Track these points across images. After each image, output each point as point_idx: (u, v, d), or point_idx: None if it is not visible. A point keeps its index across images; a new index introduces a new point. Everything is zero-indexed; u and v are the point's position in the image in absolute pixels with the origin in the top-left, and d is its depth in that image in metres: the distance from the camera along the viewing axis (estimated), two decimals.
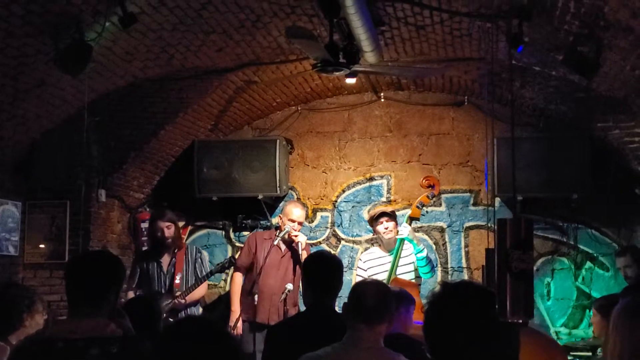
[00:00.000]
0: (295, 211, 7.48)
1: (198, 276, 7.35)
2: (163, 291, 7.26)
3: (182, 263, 7.35)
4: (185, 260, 7.38)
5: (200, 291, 7.42)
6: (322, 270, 4.57)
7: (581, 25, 5.46)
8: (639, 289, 6.64)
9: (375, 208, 8.17)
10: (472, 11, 5.88)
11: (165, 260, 7.37)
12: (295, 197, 8.70)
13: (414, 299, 5.22)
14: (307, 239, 7.64)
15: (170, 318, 7.09)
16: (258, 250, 7.53)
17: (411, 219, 7.22)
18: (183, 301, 7.17)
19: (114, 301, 3.42)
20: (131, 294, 7.43)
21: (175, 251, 7.38)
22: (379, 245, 7.42)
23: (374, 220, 7.34)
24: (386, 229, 7.19)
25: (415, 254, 6.99)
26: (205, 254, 7.79)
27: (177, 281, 7.26)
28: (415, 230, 8.22)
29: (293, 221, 7.40)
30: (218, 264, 7.54)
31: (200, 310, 7.66)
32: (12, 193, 7.32)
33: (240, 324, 7.28)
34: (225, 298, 8.32)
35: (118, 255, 7.93)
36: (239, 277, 7.62)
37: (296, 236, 7.29)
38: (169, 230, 7.34)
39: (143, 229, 8.32)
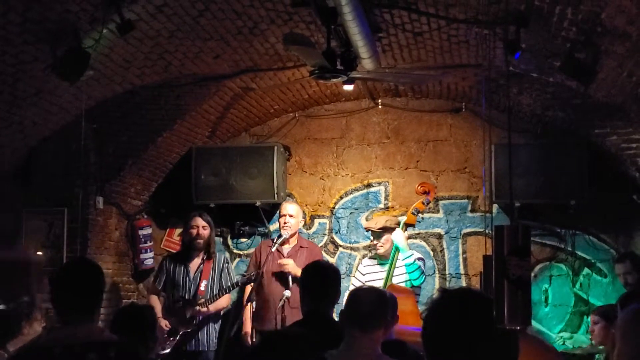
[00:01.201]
0: (284, 206, 7.60)
1: (222, 286, 7.32)
2: (187, 297, 7.24)
3: (209, 270, 7.34)
4: (212, 268, 7.37)
5: (224, 302, 7.40)
6: (318, 278, 4.58)
7: (578, 32, 5.47)
8: (637, 296, 6.63)
9: (374, 215, 8.16)
10: (470, 18, 5.89)
11: (194, 265, 7.36)
12: None
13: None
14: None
15: (191, 327, 7.10)
16: (262, 259, 7.50)
17: (407, 225, 7.20)
18: (205, 309, 7.15)
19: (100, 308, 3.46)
20: (154, 298, 7.43)
21: (205, 258, 7.37)
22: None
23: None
24: (375, 244, 7.22)
25: (402, 259, 6.96)
26: (231, 265, 7.81)
27: (202, 288, 7.24)
28: (413, 236, 8.23)
29: (283, 215, 7.49)
30: (244, 276, 7.46)
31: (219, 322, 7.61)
32: (9, 200, 7.32)
33: (247, 332, 7.36)
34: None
35: (116, 262, 8.02)
36: (248, 288, 7.58)
37: (285, 265, 7.29)
38: (204, 231, 7.35)
39: (141, 236, 8.32)
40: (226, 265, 7.49)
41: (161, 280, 7.41)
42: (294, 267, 7.23)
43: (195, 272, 7.31)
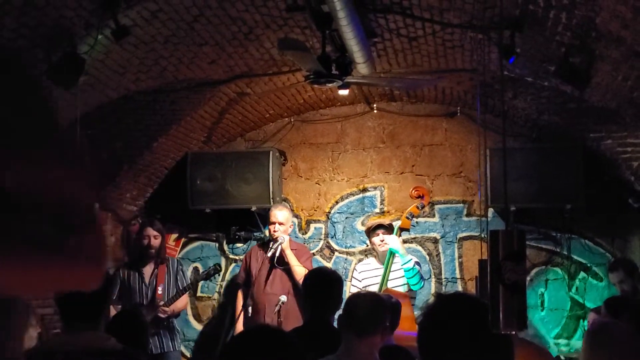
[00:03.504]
0: (273, 213, 7.53)
1: (179, 288, 7.41)
2: (145, 302, 7.28)
3: (164, 274, 7.43)
4: (167, 271, 7.45)
5: (182, 302, 7.50)
6: (320, 285, 4.59)
7: (573, 36, 5.48)
8: (626, 302, 6.59)
9: (370, 219, 8.16)
10: (464, 22, 5.90)
11: (147, 271, 7.42)
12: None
13: None
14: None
15: (153, 330, 7.10)
16: (252, 264, 7.54)
17: (401, 229, 7.20)
18: (168, 309, 7.19)
19: (106, 315, 3.44)
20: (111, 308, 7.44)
21: (158, 263, 7.42)
22: (375, 257, 7.39)
23: (370, 232, 7.31)
24: (382, 241, 7.15)
25: (402, 265, 6.97)
26: (185, 266, 7.93)
27: (159, 292, 7.31)
28: (409, 241, 8.23)
29: (272, 223, 7.46)
30: (203, 271, 7.60)
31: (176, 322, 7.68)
32: None
33: None
34: (220, 311, 8.43)
35: (112, 268, 7.99)
36: (239, 293, 7.68)
37: (276, 237, 7.31)
38: (155, 240, 7.40)
39: None
40: (180, 267, 7.62)
41: (114, 291, 7.42)
42: (286, 245, 7.32)
43: (150, 277, 7.39)
